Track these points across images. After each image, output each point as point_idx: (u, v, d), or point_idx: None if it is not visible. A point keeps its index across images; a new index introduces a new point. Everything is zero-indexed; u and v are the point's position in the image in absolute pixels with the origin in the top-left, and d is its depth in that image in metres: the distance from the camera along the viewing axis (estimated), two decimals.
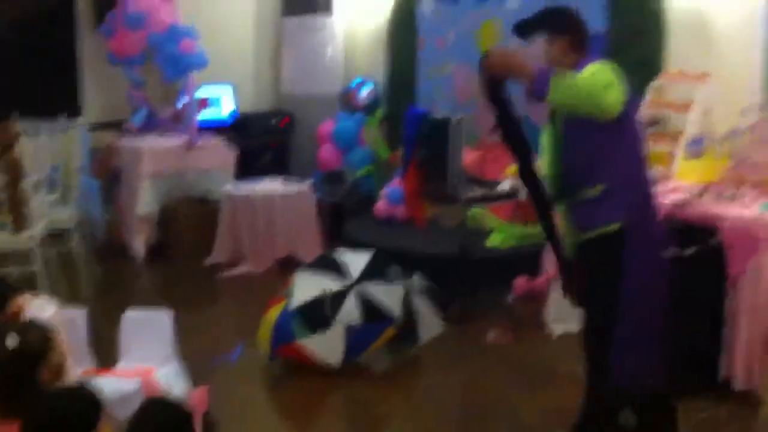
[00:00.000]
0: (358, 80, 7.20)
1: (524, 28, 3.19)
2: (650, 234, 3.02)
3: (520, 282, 5.08)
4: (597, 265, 3.04)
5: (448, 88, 6.59)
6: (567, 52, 3.09)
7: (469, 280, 4.89)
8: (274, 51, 8.04)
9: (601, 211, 2.99)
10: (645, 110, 4.63)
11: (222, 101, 7.52)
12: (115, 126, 7.12)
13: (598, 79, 2.85)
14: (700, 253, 3.66)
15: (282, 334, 4.18)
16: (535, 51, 3.18)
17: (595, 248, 3.03)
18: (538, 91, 2.87)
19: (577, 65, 2.99)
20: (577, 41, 3.11)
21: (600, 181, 2.98)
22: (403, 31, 7.08)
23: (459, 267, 4.89)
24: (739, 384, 3.61)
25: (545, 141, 3.23)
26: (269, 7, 7.99)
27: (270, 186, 6.38)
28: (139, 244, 6.36)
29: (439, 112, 5.46)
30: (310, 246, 6.02)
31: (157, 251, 6.42)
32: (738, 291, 3.66)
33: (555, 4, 3.31)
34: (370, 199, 6.45)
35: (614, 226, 2.96)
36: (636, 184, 3.03)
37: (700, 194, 3.90)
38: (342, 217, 6.43)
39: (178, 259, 6.34)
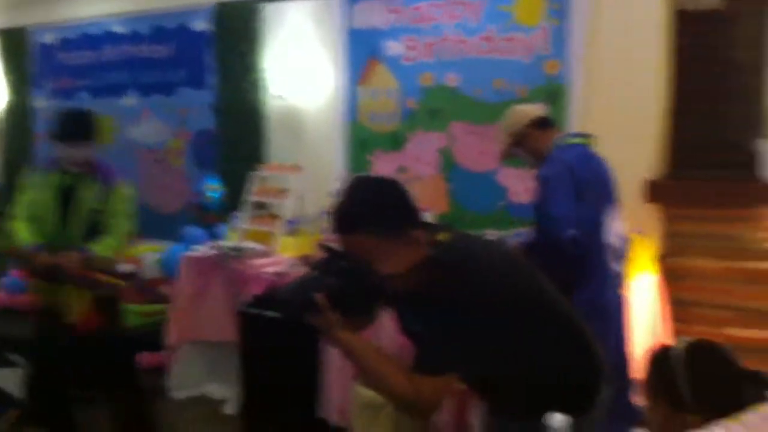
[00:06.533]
0: None
1: None
2: None
3: (146, 356, 5.37)
4: None
5: None
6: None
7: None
8: None
9: None
10: (250, 197, 5.32)
11: None
12: None
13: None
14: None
15: None
16: None
17: None
18: None
19: None
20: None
21: None
22: (19, 126, 7.16)
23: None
24: (333, 421, 4.27)
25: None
26: None
27: None
28: None
29: None
30: None
31: None
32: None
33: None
34: None
35: None
36: None
37: (297, 265, 4.60)
38: None
39: None
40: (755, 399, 1.77)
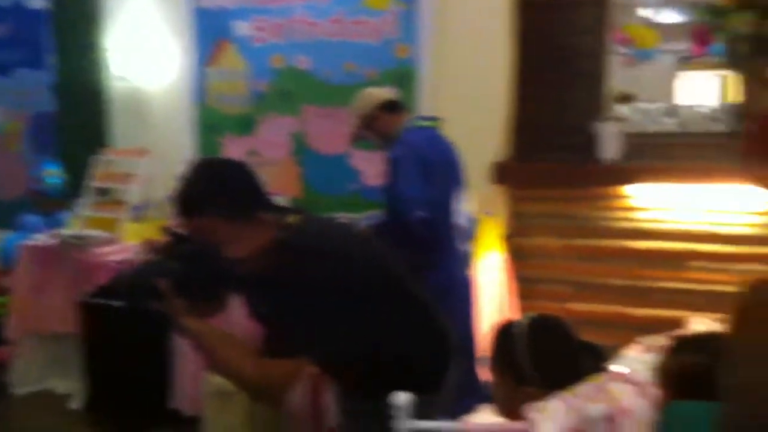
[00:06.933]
0: None
1: None
2: None
3: None
4: None
5: None
6: None
7: None
8: None
9: None
10: (93, 183, 5.11)
11: None
12: None
13: None
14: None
15: None
16: None
17: None
18: None
19: None
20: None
21: None
22: None
23: None
24: (185, 410, 4.18)
25: None
26: None
27: None
28: None
29: None
30: None
31: None
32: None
33: None
34: None
35: None
36: None
37: (140, 251, 4.45)
38: None
39: None
40: (592, 370, 1.84)
